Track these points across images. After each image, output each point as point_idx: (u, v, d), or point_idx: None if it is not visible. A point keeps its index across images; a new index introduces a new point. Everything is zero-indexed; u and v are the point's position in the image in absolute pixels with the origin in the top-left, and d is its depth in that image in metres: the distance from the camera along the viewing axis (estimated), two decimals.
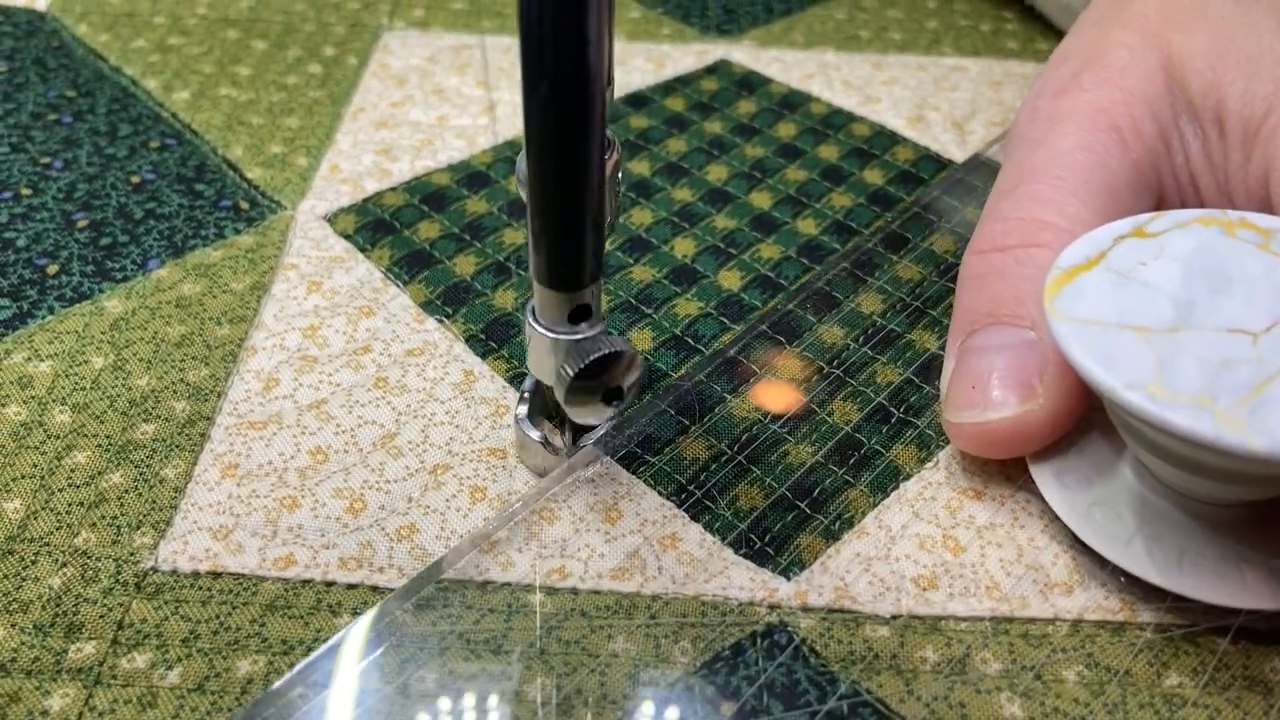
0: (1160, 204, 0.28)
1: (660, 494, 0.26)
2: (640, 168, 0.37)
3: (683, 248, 0.34)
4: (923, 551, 0.25)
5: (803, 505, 0.26)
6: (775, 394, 0.28)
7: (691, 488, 0.26)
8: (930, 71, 0.43)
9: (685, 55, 0.44)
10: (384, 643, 0.22)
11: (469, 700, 0.22)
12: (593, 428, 0.27)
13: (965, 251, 0.27)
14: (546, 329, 0.23)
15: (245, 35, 0.44)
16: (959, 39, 0.45)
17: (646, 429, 0.27)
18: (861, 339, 0.30)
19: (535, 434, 0.26)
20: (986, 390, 0.25)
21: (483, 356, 0.30)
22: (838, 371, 0.29)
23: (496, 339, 0.30)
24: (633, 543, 0.25)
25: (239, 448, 0.27)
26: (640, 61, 0.43)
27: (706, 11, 0.46)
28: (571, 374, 0.23)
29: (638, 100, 0.41)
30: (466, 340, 0.30)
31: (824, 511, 0.25)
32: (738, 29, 0.45)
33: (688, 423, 0.27)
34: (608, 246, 0.33)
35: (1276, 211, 0.26)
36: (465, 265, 0.33)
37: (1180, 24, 0.28)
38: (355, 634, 0.23)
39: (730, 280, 0.32)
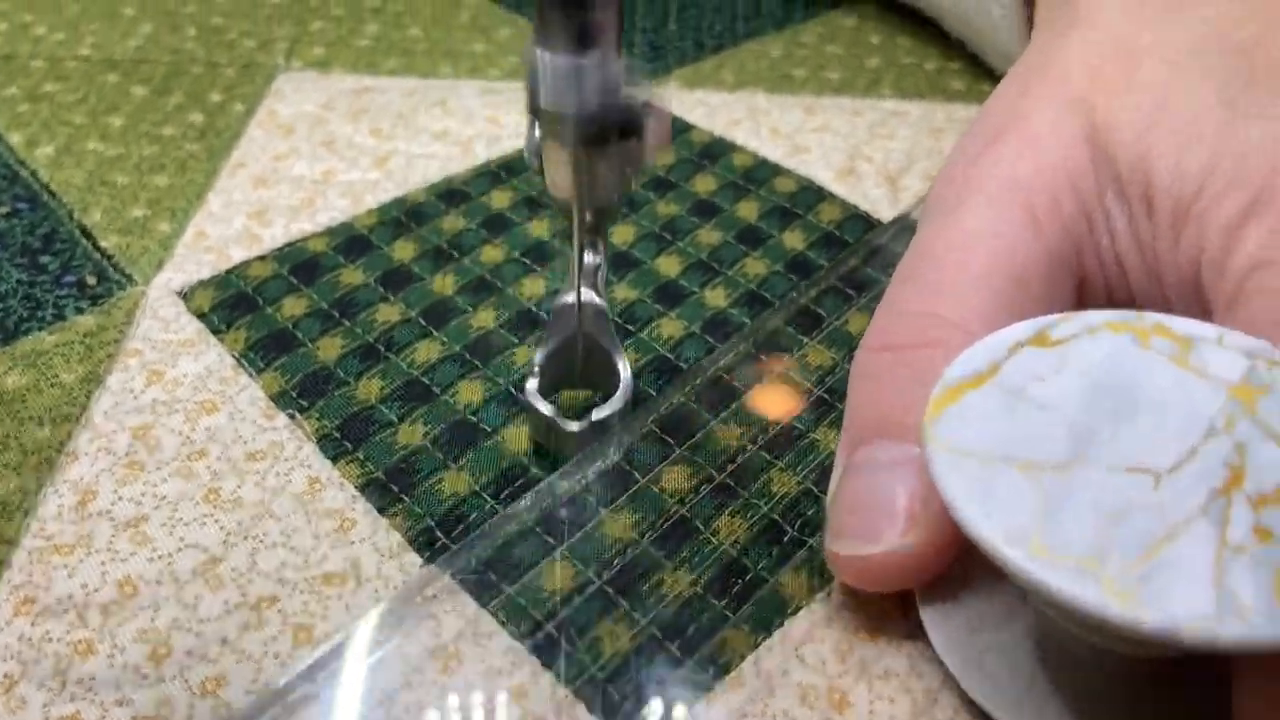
0: (1083, 289, 0.25)
1: (510, 633, 0.23)
2: (538, 229, 0.34)
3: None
4: (804, 707, 0.21)
5: (673, 647, 0.22)
6: (654, 507, 0.25)
7: (548, 625, 0.23)
8: (866, 116, 0.39)
9: None
10: (385, 646, 0.22)
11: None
12: (607, 399, 0.26)
13: (859, 345, 0.24)
14: (549, 55, 0.21)
15: (126, 79, 0.40)
16: (901, 79, 0.42)
17: (501, 547, 0.24)
18: (759, 438, 0.27)
19: (546, 409, 0.25)
20: (865, 518, 0.21)
21: (334, 460, 0.26)
22: (729, 480, 0.26)
23: (353, 437, 0.27)
24: (468, 699, 0.21)
25: (39, 578, 0.24)
26: None
27: (632, 48, 0.43)
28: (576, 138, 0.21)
29: None
30: (318, 440, 0.27)
31: (697, 654, 0.22)
32: (664, 67, 0.42)
33: (552, 541, 0.24)
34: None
35: (1208, 303, 0.23)
36: (329, 348, 0.30)
37: (1107, 86, 0.25)
38: (359, 634, 0.22)
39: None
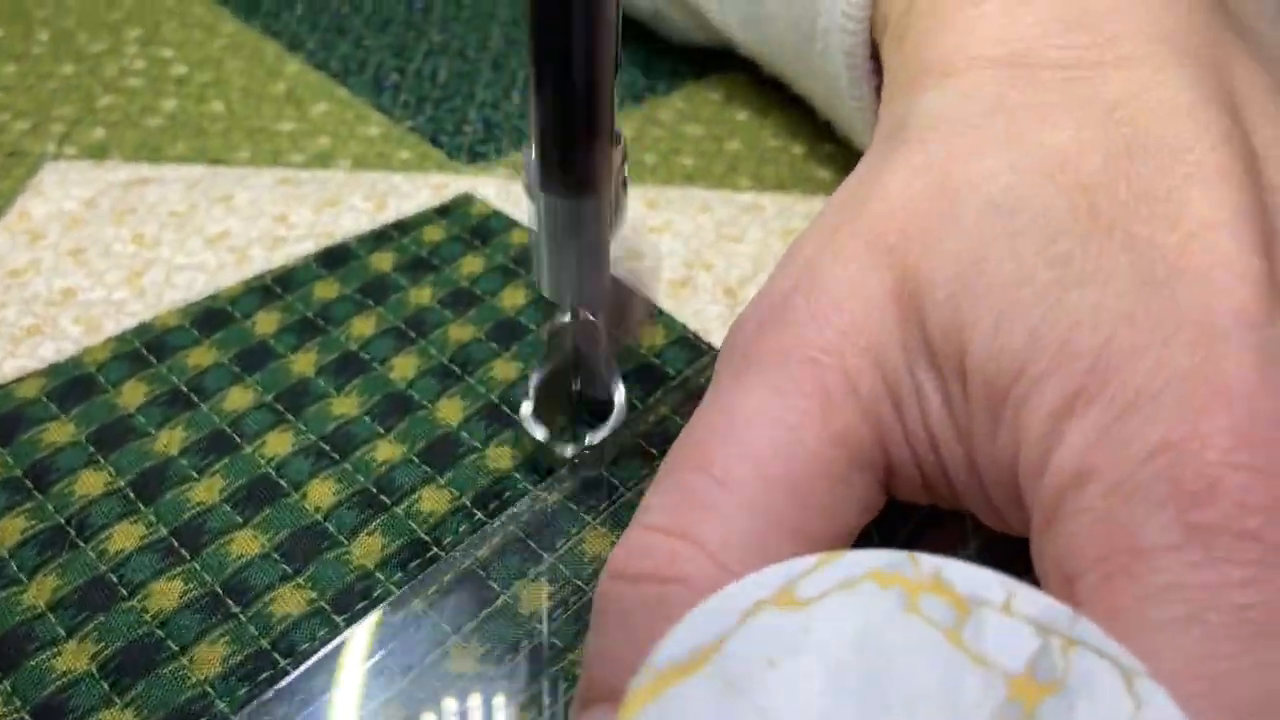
0: (893, 481, 0.20)
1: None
2: (303, 363, 0.29)
3: (318, 494, 0.25)
4: None
5: None
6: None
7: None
8: (716, 213, 0.34)
9: (419, 189, 0.35)
10: (385, 646, 0.21)
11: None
12: (600, 424, 0.26)
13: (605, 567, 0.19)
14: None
15: None
16: (762, 165, 0.36)
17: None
18: None
19: (540, 433, 0.26)
20: None
21: None
22: None
23: (5, 661, 0.22)
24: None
25: None
26: (358, 200, 0.35)
27: (464, 127, 0.38)
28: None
29: (335, 258, 0.32)
30: None
31: None
32: (495, 151, 0.37)
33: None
34: None
35: (1027, 511, 0.18)
36: (8, 533, 0.24)
37: (922, 232, 0.20)
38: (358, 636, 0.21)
39: (370, 547, 0.24)
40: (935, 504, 0.21)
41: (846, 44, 0.29)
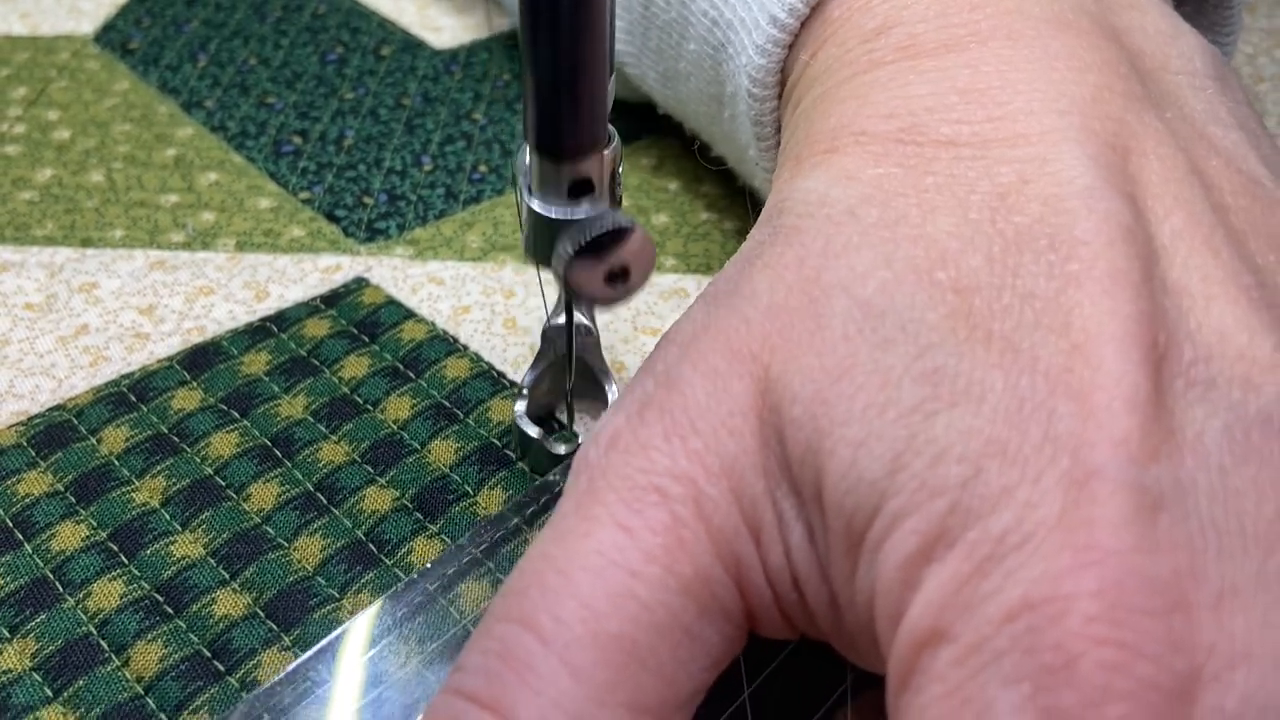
0: (754, 621, 0.18)
1: None
2: (148, 490, 0.25)
3: (143, 660, 0.22)
4: None
5: None
6: None
7: None
8: (634, 300, 0.31)
9: (307, 273, 0.32)
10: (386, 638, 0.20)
11: None
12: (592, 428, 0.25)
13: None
14: (542, 204, 0.21)
15: None
16: (690, 242, 0.33)
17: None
18: None
19: (534, 431, 0.25)
20: None
21: None
22: None
23: None
24: None
25: None
26: (236, 287, 0.31)
27: (364, 199, 0.34)
28: (571, 251, 0.20)
29: (198, 359, 0.29)
30: None
31: None
32: (397, 227, 0.33)
33: None
34: None
35: (884, 657, 0.16)
36: None
37: (785, 338, 0.18)
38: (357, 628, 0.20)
39: None
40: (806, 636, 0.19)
41: (753, 112, 0.26)
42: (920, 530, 0.15)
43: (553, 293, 0.26)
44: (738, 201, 0.34)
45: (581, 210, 0.21)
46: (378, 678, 0.20)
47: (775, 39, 0.25)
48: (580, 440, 0.25)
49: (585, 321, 0.26)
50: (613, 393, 0.26)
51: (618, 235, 0.20)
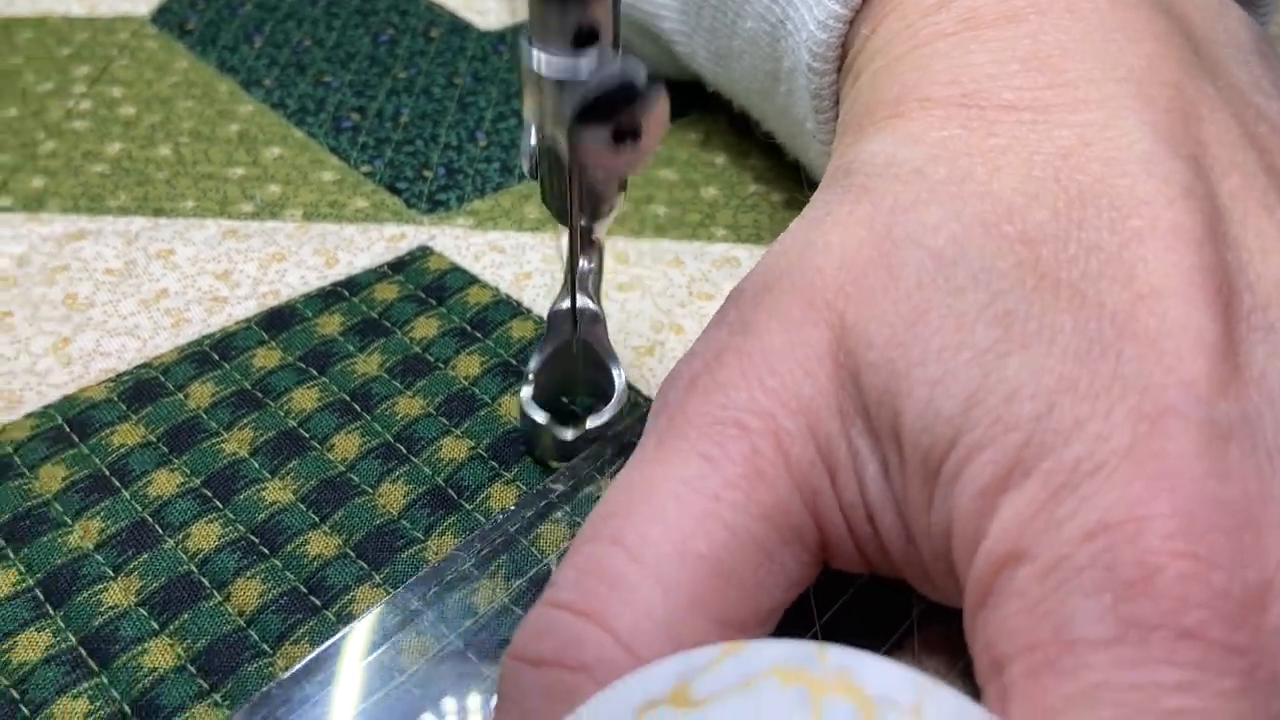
0: (827, 552, 0.19)
1: None
2: (237, 441, 0.27)
3: (242, 596, 0.23)
4: None
5: None
6: None
7: None
8: (688, 267, 0.32)
9: (373, 241, 0.33)
10: (388, 640, 0.20)
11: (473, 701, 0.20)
12: (599, 413, 0.25)
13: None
14: (543, 54, 0.20)
15: None
16: (740, 214, 0.34)
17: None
18: None
19: (540, 416, 0.25)
20: None
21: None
22: None
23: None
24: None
25: None
26: (307, 254, 0.32)
27: (424, 173, 0.36)
28: (572, 113, 0.19)
29: (275, 321, 0.30)
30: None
31: None
32: (456, 199, 0.35)
33: None
34: None
35: (963, 592, 0.17)
36: None
37: (860, 287, 0.19)
38: (359, 630, 0.20)
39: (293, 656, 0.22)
40: (871, 572, 0.20)
41: (813, 86, 0.27)
42: (997, 461, 0.16)
43: (557, 292, 0.26)
44: (785, 175, 0.35)
45: (586, 62, 0.20)
46: (377, 683, 0.20)
47: (837, 14, 0.26)
48: (588, 426, 0.25)
49: (592, 306, 0.26)
50: (619, 377, 0.26)
51: (627, 89, 0.20)
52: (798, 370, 0.19)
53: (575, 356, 0.26)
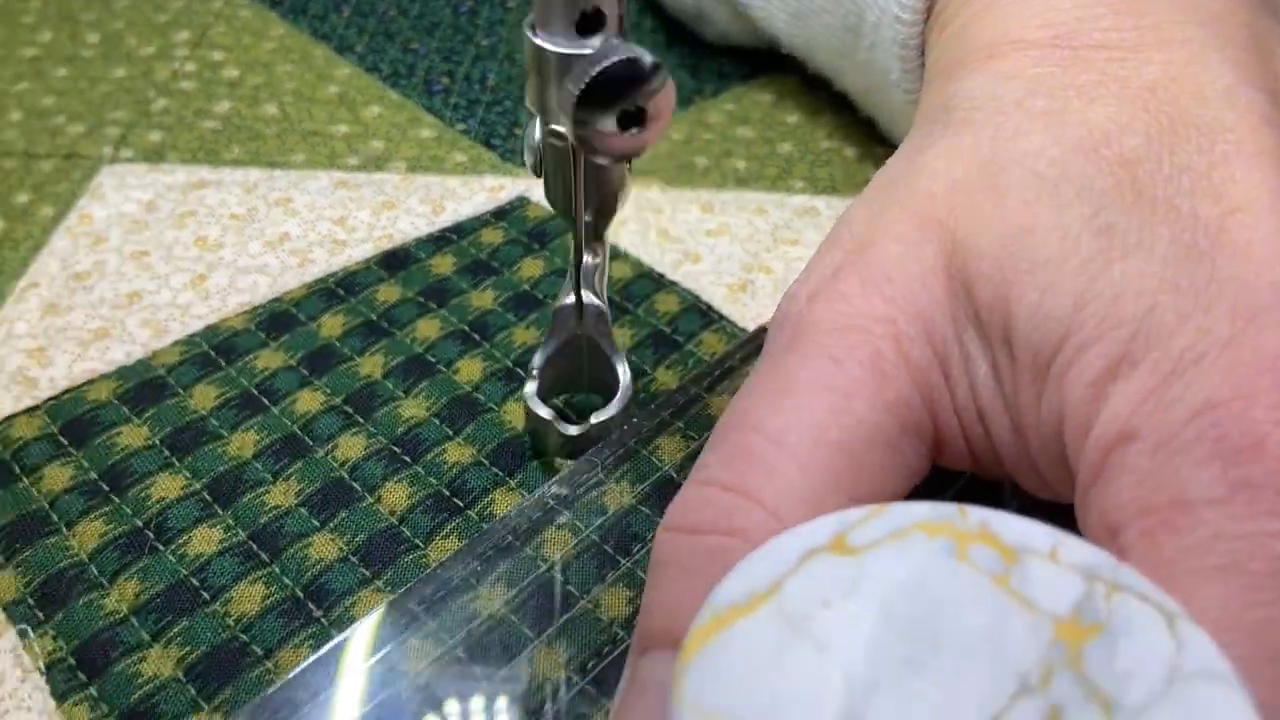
0: (940, 448, 0.21)
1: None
2: (370, 365, 0.29)
3: (393, 497, 0.25)
4: None
5: None
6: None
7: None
8: (771, 215, 0.34)
9: (474, 192, 0.35)
10: (389, 643, 0.20)
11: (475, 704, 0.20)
12: (603, 409, 0.25)
13: (662, 519, 0.20)
14: (547, 41, 0.20)
15: None
16: (815, 168, 0.37)
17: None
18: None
19: (545, 412, 0.25)
20: None
21: (61, 699, 0.21)
22: None
23: (90, 666, 0.22)
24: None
25: None
26: (415, 203, 0.35)
27: (515, 130, 0.38)
28: (577, 91, 0.19)
29: (392, 261, 0.32)
30: (48, 669, 0.22)
31: None
32: None
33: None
34: None
35: (1071, 474, 0.19)
36: (87, 536, 0.24)
37: (969, 207, 0.21)
38: (360, 633, 0.21)
39: (445, 549, 0.24)
40: (975, 472, 0.22)
41: (901, 36, 0.29)
42: (1106, 355, 0.18)
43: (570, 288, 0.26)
44: (858, 131, 0.38)
45: (592, 47, 0.20)
46: (378, 686, 0.20)
47: None
48: (592, 421, 0.25)
49: (596, 301, 0.25)
50: (624, 373, 0.26)
51: (632, 70, 0.20)
52: (914, 282, 0.21)
53: (579, 352, 0.26)
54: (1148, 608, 0.15)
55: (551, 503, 0.23)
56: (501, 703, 0.20)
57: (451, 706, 0.20)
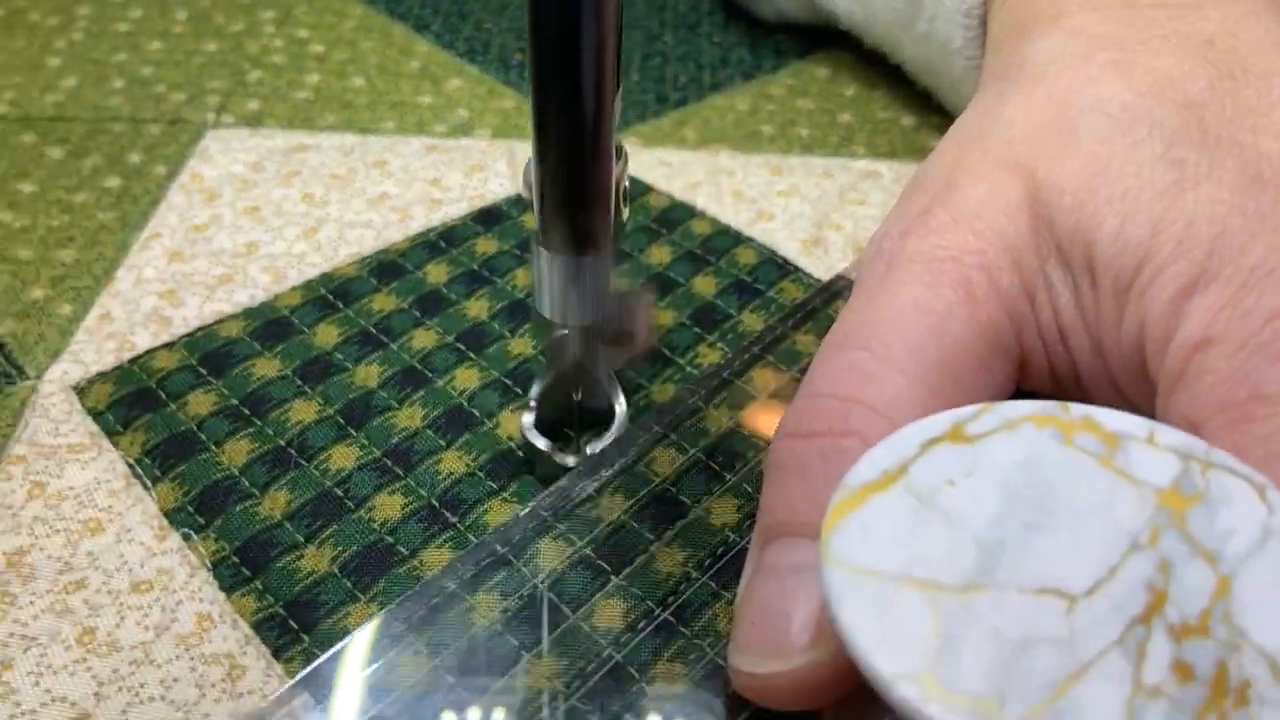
0: (1024, 370, 0.23)
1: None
2: (476, 309, 0.31)
3: (508, 426, 0.28)
4: None
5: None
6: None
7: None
8: (837, 179, 0.37)
9: None
10: (386, 653, 0.21)
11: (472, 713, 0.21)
12: (602, 433, 0.26)
13: (777, 430, 0.22)
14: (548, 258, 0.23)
15: (42, 140, 0.38)
16: (875, 136, 0.39)
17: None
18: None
19: (543, 443, 0.26)
20: (769, 630, 0.19)
21: (229, 591, 0.24)
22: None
23: (253, 563, 0.24)
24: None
25: None
26: (502, 166, 0.37)
27: None
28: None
29: (486, 218, 0.35)
30: (214, 566, 0.24)
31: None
32: (623, 123, 0.39)
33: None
34: None
35: (1154, 385, 0.21)
36: (235, 453, 0.27)
37: (1047, 149, 0.23)
38: (358, 642, 0.21)
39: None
40: (1055, 393, 0.23)
41: (965, 5, 0.31)
42: (1184, 273, 0.20)
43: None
44: (914, 102, 0.40)
45: (586, 262, 0.23)
46: (376, 696, 0.21)
47: None
48: (587, 452, 0.26)
49: (591, 332, 0.26)
50: (620, 404, 0.27)
51: (627, 306, 0.25)
52: (1001, 218, 0.23)
53: (575, 383, 0.27)
54: (1240, 480, 0.17)
55: (544, 516, 0.24)
56: (499, 715, 0.21)
57: (448, 717, 0.21)
